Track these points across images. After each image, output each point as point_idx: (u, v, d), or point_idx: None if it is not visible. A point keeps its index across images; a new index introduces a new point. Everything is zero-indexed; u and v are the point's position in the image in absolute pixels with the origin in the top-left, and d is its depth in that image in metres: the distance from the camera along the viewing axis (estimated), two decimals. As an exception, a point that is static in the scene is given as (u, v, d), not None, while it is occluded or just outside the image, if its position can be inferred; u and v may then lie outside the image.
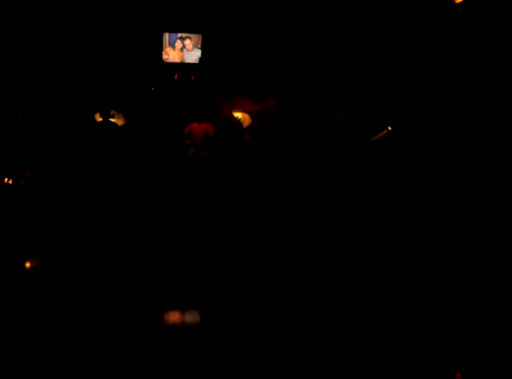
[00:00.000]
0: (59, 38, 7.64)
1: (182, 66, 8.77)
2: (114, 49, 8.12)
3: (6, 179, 6.64)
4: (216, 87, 8.48)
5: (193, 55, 8.79)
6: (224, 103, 8.18)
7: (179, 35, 8.72)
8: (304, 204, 6.09)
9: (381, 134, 6.82)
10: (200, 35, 8.72)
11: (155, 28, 8.49)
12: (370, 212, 5.78)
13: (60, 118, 7.28)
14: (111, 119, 7.59)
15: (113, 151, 7.12)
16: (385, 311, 3.78)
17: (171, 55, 8.75)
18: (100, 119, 7.49)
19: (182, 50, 8.76)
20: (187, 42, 8.73)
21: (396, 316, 3.69)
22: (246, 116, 8.22)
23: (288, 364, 2.92)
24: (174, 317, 3.97)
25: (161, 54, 8.69)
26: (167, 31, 8.66)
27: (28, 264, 5.03)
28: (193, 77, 8.49)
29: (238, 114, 8.28)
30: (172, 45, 8.73)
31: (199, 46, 8.74)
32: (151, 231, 5.85)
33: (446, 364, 2.98)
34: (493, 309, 3.76)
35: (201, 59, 8.74)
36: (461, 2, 6.52)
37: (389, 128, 7.80)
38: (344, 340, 3.26)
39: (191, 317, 3.97)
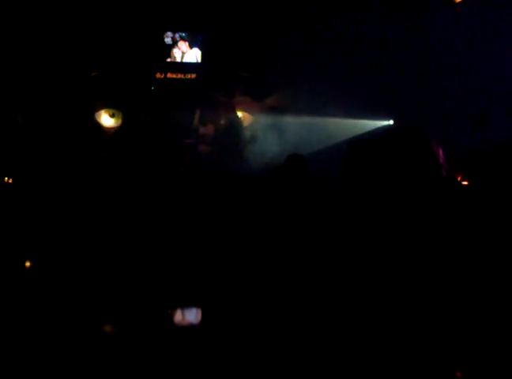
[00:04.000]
0: (59, 38, 7.63)
1: (183, 66, 8.77)
2: (115, 48, 8.11)
3: (6, 179, 6.65)
4: (217, 86, 8.48)
5: (193, 54, 8.79)
6: (224, 102, 8.19)
7: (180, 34, 8.72)
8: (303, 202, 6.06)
9: None
10: (200, 35, 8.73)
11: (155, 28, 8.48)
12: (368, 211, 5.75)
13: (60, 118, 7.28)
14: (110, 118, 7.62)
15: (111, 150, 7.13)
16: (386, 312, 3.78)
17: (171, 55, 8.75)
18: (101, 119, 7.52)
19: (183, 49, 8.76)
20: (187, 41, 8.73)
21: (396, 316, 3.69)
22: (247, 115, 8.24)
23: (288, 364, 2.92)
24: (173, 316, 3.98)
25: (161, 54, 8.68)
26: (167, 31, 8.65)
27: (27, 264, 5.03)
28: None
29: (238, 114, 8.30)
30: (172, 44, 8.73)
31: (199, 45, 8.74)
32: (151, 230, 5.85)
33: (446, 364, 2.99)
34: (493, 310, 3.76)
35: (201, 58, 8.74)
36: (460, 2, 6.54)
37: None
38: (344, 340, 3.26)
39: (191, 317, 3.98)
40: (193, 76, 8.69)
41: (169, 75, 8.67)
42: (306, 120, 7.85)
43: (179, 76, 8.68)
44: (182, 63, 8.78)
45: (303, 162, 4.73)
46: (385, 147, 4.09)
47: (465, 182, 5.47)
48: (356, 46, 7.63)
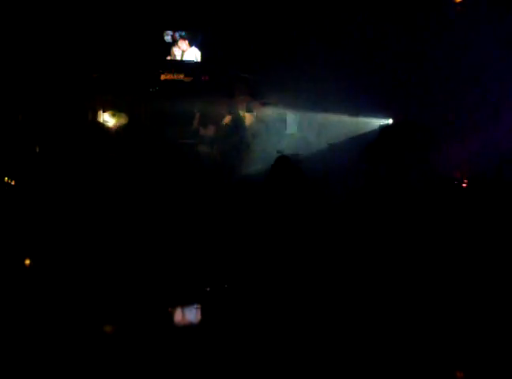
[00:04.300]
0: (60, 38, 7.63)
1: (183, 65, 8.76)
2: (115, 48, 8.10)
3: (7, 179, 6.65)
4: (217, 86, 8.47)
5: (193, 53, 8.77)
6: (225, 102, 8.18)
7: (180, 33, 8.70)
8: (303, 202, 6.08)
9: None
10: (200, 34, 8.71)
11: (155, 27, 8.47)
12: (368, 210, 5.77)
13: (60, 118, 7.28)
14: (110, 118, 7.60)
15: (111, 149, 7.13)
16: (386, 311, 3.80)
17: (171, 54, 8.74)
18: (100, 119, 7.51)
19: (183, 47, 8.75)
20: (187, 40, 8.71)
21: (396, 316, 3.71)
22: (247, 115, 8.22)
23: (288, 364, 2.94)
24: (174, 316, 3.99)
25: (162, 53, 8.67)
26: (167, 30, 8.64)
27: (27, 264, 5.05)
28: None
29: (238, 114, 8.27)
30: (172, 43, 8.72)
31: (199, 44, 8.72)
32: (152, 230, 5.86)
33: (446, 364, 3.00)
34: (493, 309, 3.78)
35: (201, 58, 8.73)
36: (460, 2, 6.53)
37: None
38: (344, 341, 3.28)
39: (191, 317, 4.00)
40: (193, 76, 8.69)
41: (169, 75, 8.67)
42: (307, 119, 7.85)
43: (179, 76, 8.68)
44: (182, 62, 8.77)
45: (288, 163, 4.91)
46: (385, 143, 4.09)
47: (464, 183, 5.47)
48: (357, 45, 7.62)
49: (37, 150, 6.73)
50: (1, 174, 6.63)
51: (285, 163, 4.92)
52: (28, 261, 5.16)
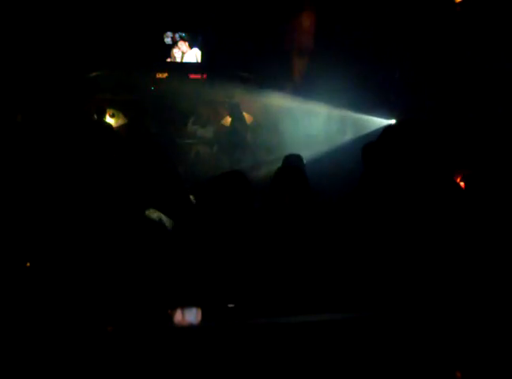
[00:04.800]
0: (59, 37, 7.64)
1: (183, 66, 8.77)
2: (115, 48, 8.11)
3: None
4: (217, 86, 8.49)
5: (193, 54, 8.79)
6: (224, 102, 8.18)
7: (180, 34, 8.72)
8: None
9: None
10: (200, 35, 8.73)
11: (155, 28, 8.49)
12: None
13: (59, 118, 7.27)
14: (110, 118, 7.61)
15: (110, 150, 7.13)
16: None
17: (171, 54, 8.75)
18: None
19: (183, 49, 8.76)
20: (187, 41, 8.73)
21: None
22: (247, 115, 8.23)
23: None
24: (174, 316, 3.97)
25: (162, 54, 8.68)
26: (167, 31, 8.66)
27: (27, 264, 5.02)
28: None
29: (238, 114, 8.27)
30: (172, 44, 8.74)
31: (199, 45, 8.74)
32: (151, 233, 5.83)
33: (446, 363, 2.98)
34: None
35: (201, 58, 8.74)
36: (460, 2, 6.53)
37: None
38: (344, 340, 3.26)
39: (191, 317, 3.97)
40: (193, 76, 8.70)
41: (169, 75, 8.68)
42: (308, 119, 7.84)
43: (179, 76, 8.69)
44: (182, 63, 8.78)
45: (300, 162, 4.60)
46: (388, 143, 4.03)
47: (462, 183, 5.42)
48: (359, 44, 7.62)
49: (36, 149, 6.72)
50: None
51: (296, 163, 4.49)
52: (27, 262, 5.14)
